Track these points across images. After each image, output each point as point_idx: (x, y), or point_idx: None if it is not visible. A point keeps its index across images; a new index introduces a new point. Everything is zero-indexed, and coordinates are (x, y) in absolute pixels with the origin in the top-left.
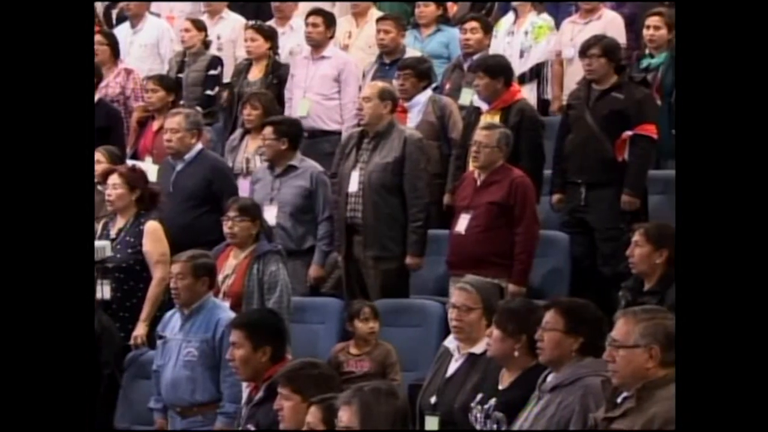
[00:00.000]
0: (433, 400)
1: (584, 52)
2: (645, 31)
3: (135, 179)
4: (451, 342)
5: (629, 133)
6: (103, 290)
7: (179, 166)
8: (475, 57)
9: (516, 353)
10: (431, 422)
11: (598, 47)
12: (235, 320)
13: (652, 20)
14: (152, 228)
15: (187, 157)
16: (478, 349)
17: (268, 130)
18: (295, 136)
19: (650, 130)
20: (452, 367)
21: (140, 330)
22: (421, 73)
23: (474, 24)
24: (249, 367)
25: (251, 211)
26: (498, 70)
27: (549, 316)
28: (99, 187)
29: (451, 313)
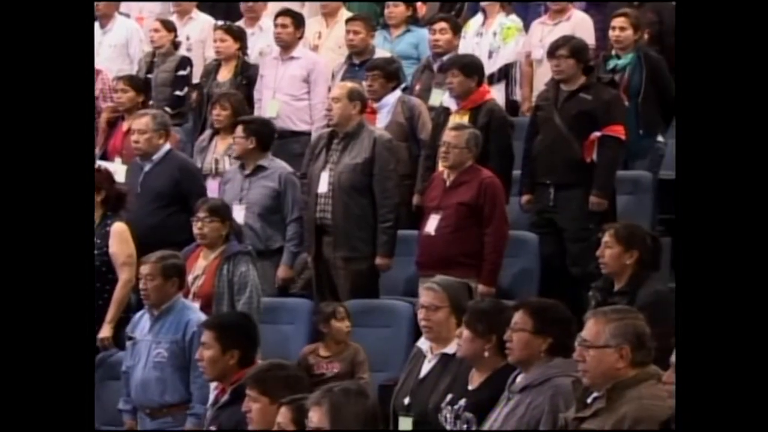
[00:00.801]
0: (406, 401)
1: (552, 52)
2: (611, 32)
3: (100, 180)
4: (423, 343)
5: (597, 134)
6: None
7: (147, 167)
8: (445, 57)
9: (486, 353)
10: (405, 423)
11: (566, 48)
12: (207, 321)
13: (618, 21)
14: (119, 229)
15: (155, 157)
16: (450, 349)
17: (238, 129)
18: (264, 136)
19: (618, 131)
20: (425, 367)
21: (105, 332)
22: (389, 73)
23: (443, 24)
24: (216, 369)
25: (221, 212)
26: (472, 68)
27: (518, 317)
28: None
29: (420, 314)
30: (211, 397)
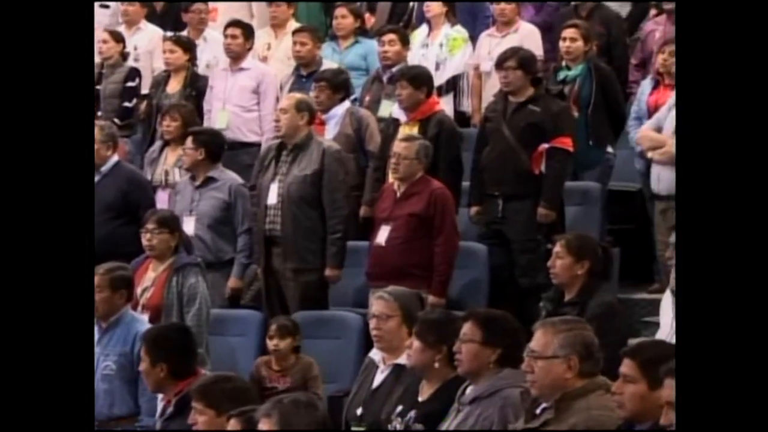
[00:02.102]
0: (359, 411)
1: (500, 64)
2: (561, 43)
3: None
4: (376, 353)
5: (545, 145)
6: None
7: (96, 179)
8: (395, 69)
9: (436, 364)
10: None
11: (513, 59)
12: (142, 333)
13: (568, 32)
14: None
15: (104, 169)
16: (403, 359)
17: (188, 140)
18: (214, 147)
19: (566, 143)
20: (378, 378)
21: None
22: (336, 85)
23: (392, 36)
24: (150, 381)
25: (170, 224)
26: (421, 80)
27: (466, 328)
28: None
29: (371, 323)
30: (159, 408)
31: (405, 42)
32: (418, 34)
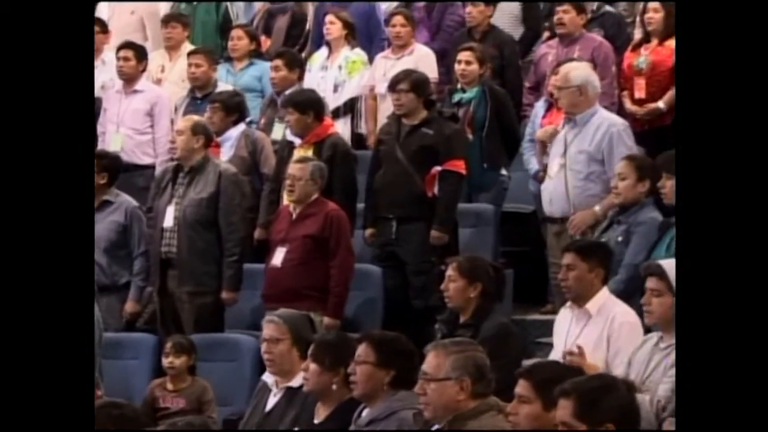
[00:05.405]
0: None
1: (393, 86)
2: (456, 66)
3: None
4: (269, 376)
5: (438, 168)
6: None
7: None
8: (287, 92)
9: (334, 387)
10: None
11: (406, 82)
12: None
13: (463, 55)
14: None
15: None
16: (295, 382)
17: None
18: (114, 171)
19: (459, 166)
20: (271, 401)
21: None
22: (229, 107)
23: (277, 62)
24: None
25: None
26: (306, 105)
27: (361, 350)
28: None
29: (262, 347)
30: None
31: (292, 66)
32: (318, 57)
